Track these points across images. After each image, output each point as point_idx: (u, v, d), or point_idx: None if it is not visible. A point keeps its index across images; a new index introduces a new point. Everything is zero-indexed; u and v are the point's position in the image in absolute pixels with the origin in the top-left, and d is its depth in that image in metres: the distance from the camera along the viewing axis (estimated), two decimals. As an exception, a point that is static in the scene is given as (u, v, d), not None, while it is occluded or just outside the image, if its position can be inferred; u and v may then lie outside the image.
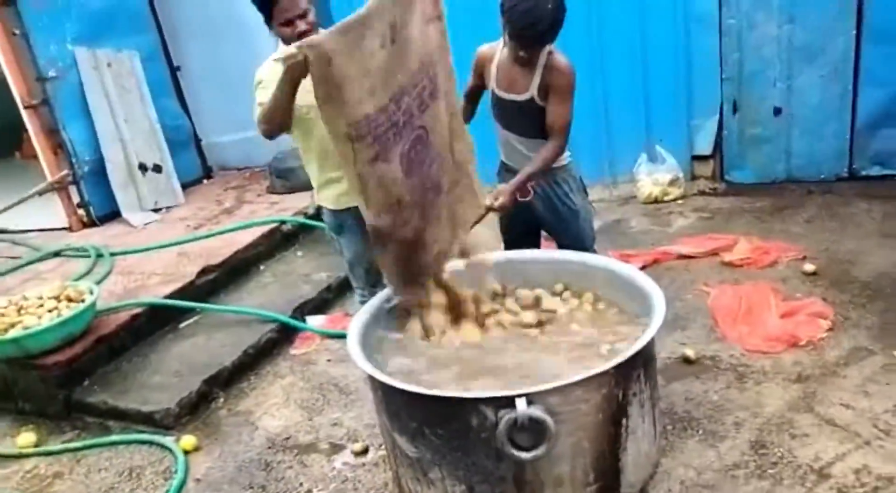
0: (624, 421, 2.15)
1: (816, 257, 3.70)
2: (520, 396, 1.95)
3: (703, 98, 4.80)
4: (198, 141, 6.41)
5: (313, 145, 2.70)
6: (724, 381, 2.83)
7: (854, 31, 4.29)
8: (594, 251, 2.94)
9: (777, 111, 4.68)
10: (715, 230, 4.22)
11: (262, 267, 4.61)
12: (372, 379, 2.27)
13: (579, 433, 2.07)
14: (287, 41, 2.53)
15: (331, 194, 2.81)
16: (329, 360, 3.57)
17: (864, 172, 4.58)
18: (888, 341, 2.92)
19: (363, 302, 2.83)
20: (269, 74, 2.62)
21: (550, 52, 2.61)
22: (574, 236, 2.92)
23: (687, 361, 2.98)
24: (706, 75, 4.74)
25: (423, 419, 2.14)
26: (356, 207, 2.43)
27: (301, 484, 2.70)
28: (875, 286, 3.35)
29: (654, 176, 4.86)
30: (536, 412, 1.95)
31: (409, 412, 2.17)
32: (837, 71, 4.41)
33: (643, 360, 2.21)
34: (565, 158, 2.82)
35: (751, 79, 4.66)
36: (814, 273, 3.56)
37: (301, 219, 4.98)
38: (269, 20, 2.56)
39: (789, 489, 2.25)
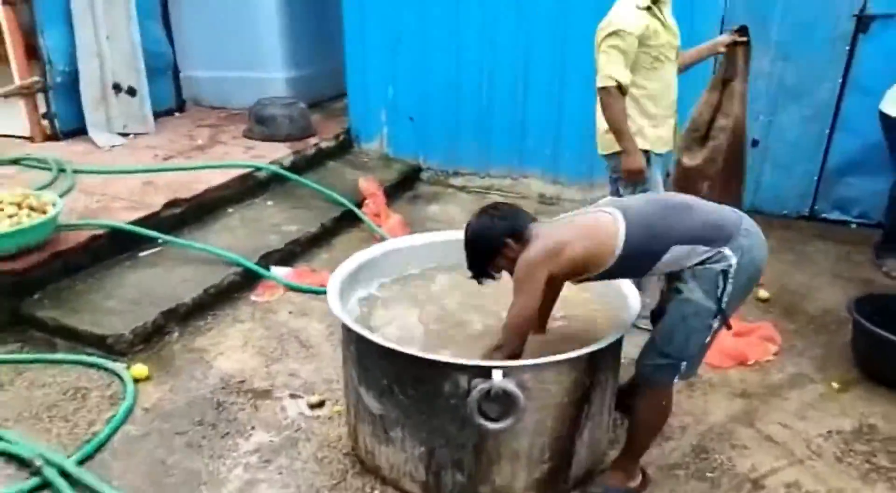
0: (586, 407, 2.23)
1: (771, 285, 3.87)
2: (496, 367, 2.00)
3: (688, 119, 4.93)
4: (176, 72, 6.22)
5: (657, 85, 3.09)
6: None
7: (840, 79, 4.48)
8: (676, 370, 2.14)
9: (755, 143, 4.84)
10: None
11: (230, 210, 4.54)
12: (347, 330, 2.29)
13: (544, 412, 2.14)
14: None
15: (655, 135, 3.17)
16: (291, 312, 3.55)
17: (823, 215, 4.80)
18: (828, 373, 3.10)
19: None
20: (631, 23, 2.87)
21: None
22: (664, 331, 2.12)
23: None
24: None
25: (395, 378, 2.17)
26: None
27: (253, 428, 2.69)
28: (821, 321, 3.54)
29: (630, 186, 4.97)
30: (510, 385, 2.00)
31: (382, 369, 2.19)
32: (819, 114, 4.59)
33: (613, 352, 2.29)
34: (700, 253, 2.02)
35: (737, 108, 4.80)
36: (767, 300, 3.73)
37: (277, 168, 4.91)
38: None
39: (725, 493, 2.39)
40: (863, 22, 4.32)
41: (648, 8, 2.96)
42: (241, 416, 2.76)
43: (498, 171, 5.44)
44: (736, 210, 2.16)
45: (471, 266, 2.27)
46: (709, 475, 2.47)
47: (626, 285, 2.49)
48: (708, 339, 2.10)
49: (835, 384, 3.01)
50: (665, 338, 2.13)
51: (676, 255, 2.03)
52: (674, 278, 2.12)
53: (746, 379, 3.04)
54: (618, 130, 3.01)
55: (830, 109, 4.57)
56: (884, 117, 3.91)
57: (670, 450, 2.57)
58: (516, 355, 2.12)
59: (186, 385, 2.94)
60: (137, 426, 2.69)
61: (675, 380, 2.18)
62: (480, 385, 2.00)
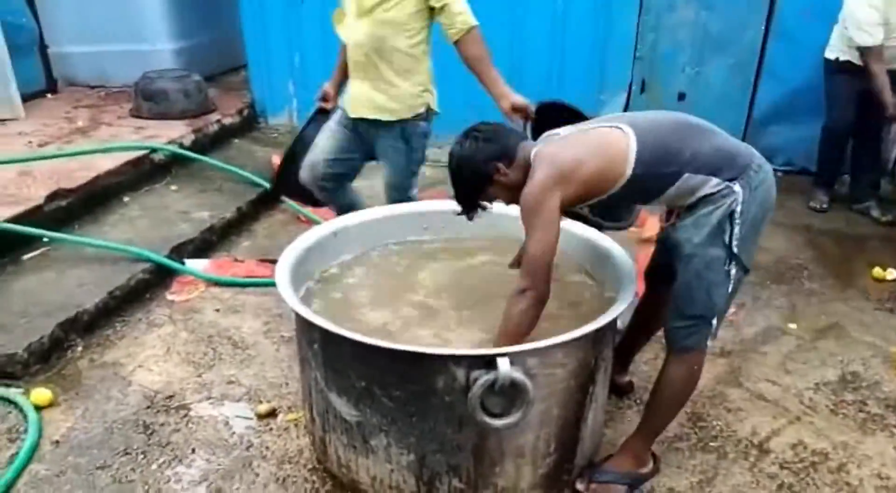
0: (591, 388, 1.97)
1: (717, 239, 3.79)
2: (501, 355, 1.70)
3: (614, 74, 4.78)
4: (43, 48, 5.44)
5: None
6: (651, 352, 2.75)
7: (763, 26, 4.45)
8: (707, 328, 1.94)
9: (681, 96, 4.77)
10: (621, 206, 4.21)
11: (126, 199, 3.97)
12: (309, 326, 1.92)
13: (550, 400, 1.86)
14: None
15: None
16: (217, 310, 3.10)
17: (751, 165, 4.81)
18: (797, 323, 3.02)
19: None
20: None
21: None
22: (682, 293, 1.91)
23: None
24: (621, 52, 4.71)
25: (376, 379, 1.82)
26: None
27: (193, 451, 2.26)
28: (777, 270, 3.48)
29: (560, 146, 4.78)
30: (517, 374, 1.71)
31: (359, 370, 1.84)
32: (743, 63, 4.56)
33: (614, 323, 2.05)
34: (710, 187, 1.81)
35: (662, 61, 4.70)
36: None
37: (176, 148, 4.35)
38: None
39: (734, 462, 2.22)
40: (783, -34, 4.30)
41: None
42: (177, 438, 2.32)
43: (421, 139, 5.08)
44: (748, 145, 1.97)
45: (459, 200, 2.01)
46: (712, 444, 2.30)
47: (612, 246, 2.25)
48: (731, 287, 1.90)
49: (806, 335, 2.94)
50: (686, 300, 1.91)
51: (688, 185, 1.82)
52: (673, 230, 1.92)
53: (720, 337, 2.88)
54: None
55: (755, 57, 4.55)
56: (826, 63, 3.91)
57: (667, 422, 2.38)
58: (545, 295, 1.84)
59: (102, 408, 2.46)
60: (48, 463, 2.20)
61: (709, 343, 1.98)
62: (483, 378, 1.70)
